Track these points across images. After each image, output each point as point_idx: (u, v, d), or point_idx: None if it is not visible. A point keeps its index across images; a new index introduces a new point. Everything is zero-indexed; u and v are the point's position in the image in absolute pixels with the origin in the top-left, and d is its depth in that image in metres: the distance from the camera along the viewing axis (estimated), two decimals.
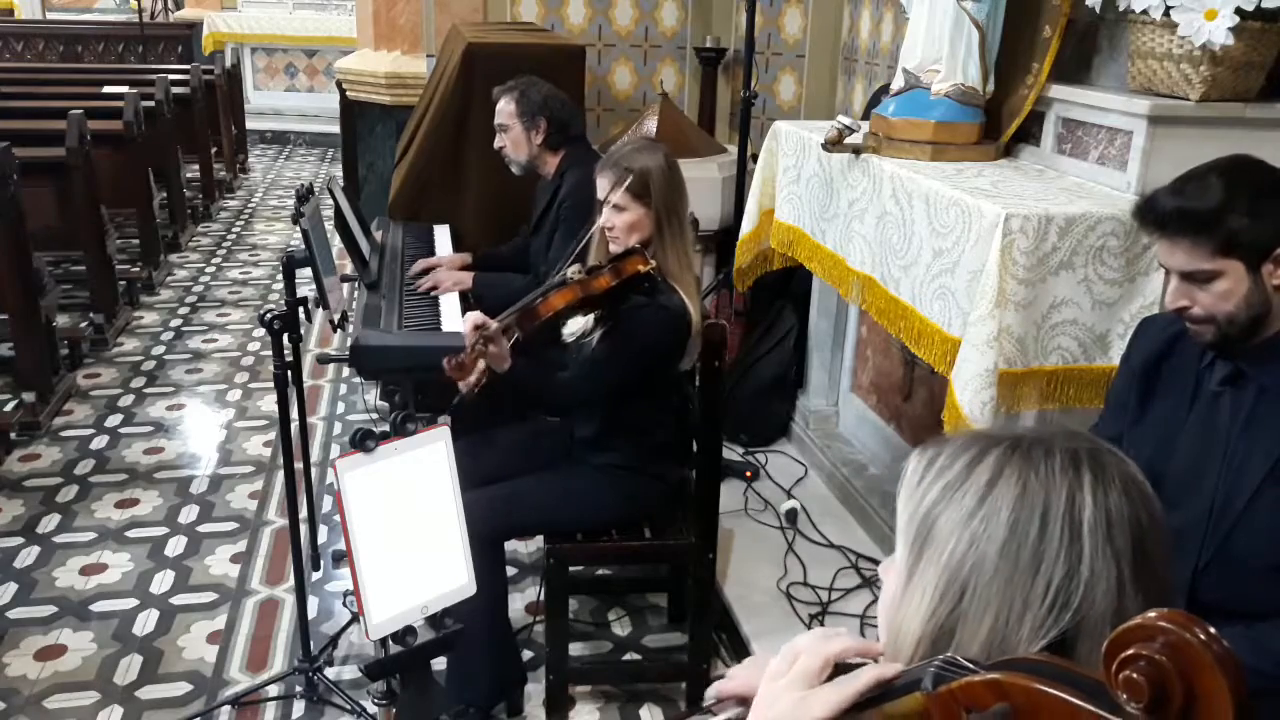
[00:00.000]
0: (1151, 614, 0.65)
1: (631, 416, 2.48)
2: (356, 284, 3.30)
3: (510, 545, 2.89)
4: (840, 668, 0.86)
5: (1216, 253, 1.56)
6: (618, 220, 2.36)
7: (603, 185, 2.40)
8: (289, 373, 2.49)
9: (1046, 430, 0.89)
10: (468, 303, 3.11)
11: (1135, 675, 0.64)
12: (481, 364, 2.19)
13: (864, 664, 0.86)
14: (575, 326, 2.45)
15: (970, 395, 2.09)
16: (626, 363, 2.36)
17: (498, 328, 2.18)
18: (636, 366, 2.37)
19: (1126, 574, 0.81)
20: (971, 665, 0.75)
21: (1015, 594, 0.81)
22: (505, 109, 3.14)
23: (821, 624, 2.78)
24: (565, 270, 2.27)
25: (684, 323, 2.35)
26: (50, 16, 11.65)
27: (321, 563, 3.09)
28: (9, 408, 4.05)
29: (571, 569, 2.60)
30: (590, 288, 2.24)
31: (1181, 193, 1.58)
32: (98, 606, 2.97)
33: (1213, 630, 0.63)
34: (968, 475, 0.86)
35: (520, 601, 3.02)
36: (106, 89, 6.48)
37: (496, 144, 3.20)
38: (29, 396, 4.00)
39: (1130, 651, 0.65)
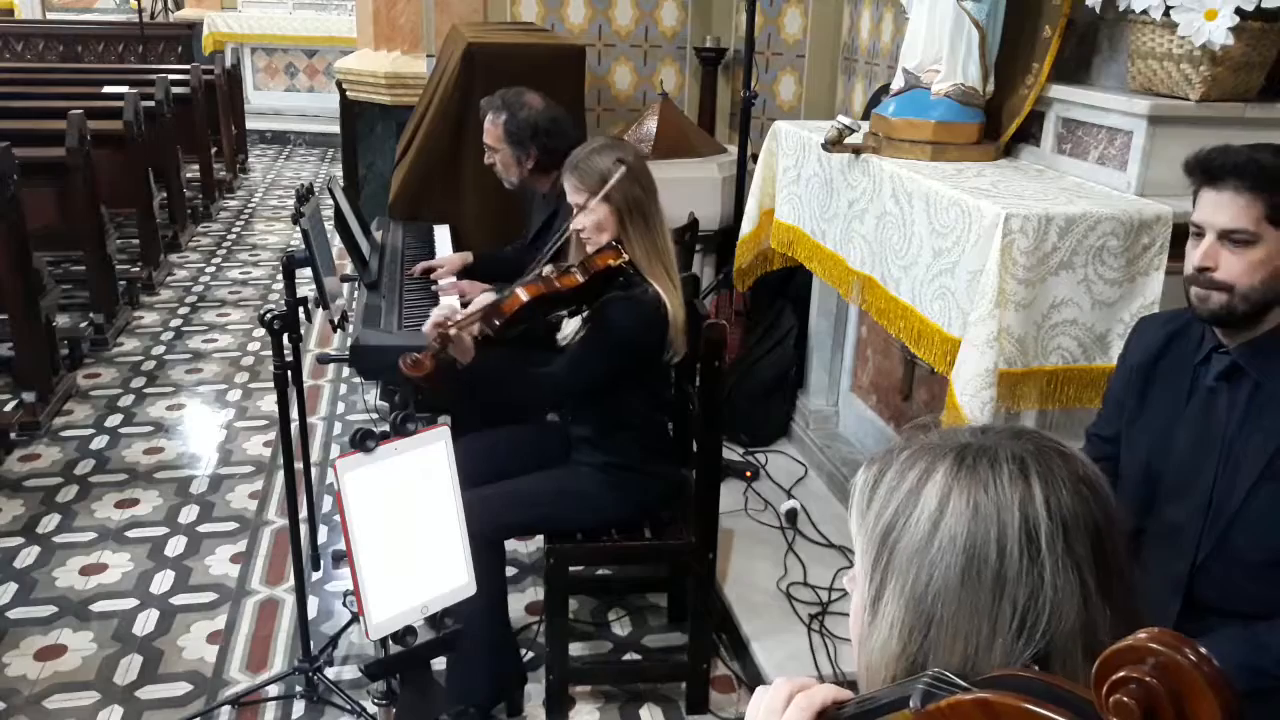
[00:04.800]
0: (1142, 635, 0.64)
1: (625, 413, 2.48)
2: (356, 284, 3.30)
3: (510, 545, 2.89)
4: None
5: (1264, 217, 1.55)
6: (586, 222, 2.38)
7: (567, 190, 2.43)
8: (289, 373, 2.49)
9: (991, 435, 0.87)
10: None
11: (1125, 698, 0.63)
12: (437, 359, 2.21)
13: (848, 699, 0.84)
14: (569, 330, 2.47)
15: (970, 395, 2.09)
16: (603, 355, 2.37)
17: (459, 326, 2.19)
18: (613, 359, 2.38)
19: (1090, 584, 0.80)
20: (961, 683, 0.74)
21: (982, 621, 0.80)
22: (493, 131, 3.08)
23: (821, 623, 2.78)
24: (540, 269, 2.29)
25: (658, 314, 2.35)
26: (50, 16, 11.64)
27: (321, 563, 3.09)
28: (9, 408, 4.05)
29: (571, 569, 2.60)
30: (558, 283, 2.27)
31: (1256, 148, 1.58)
32: (98, 606, 2.97)
33: (1203, 651, 0.62)
34: (918, 496, 0.84)
35: (520, 601, 3.02)
36: (106, 89, 6.48)
37: (486, 160, 3.14)
38: (29, 396, 4.00)
39: (1121, 674, 0.64)
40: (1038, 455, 0.84)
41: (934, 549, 0.82)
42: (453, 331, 2.19)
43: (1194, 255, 1.62)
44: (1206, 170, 1.60)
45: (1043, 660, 0.79)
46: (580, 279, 2.28)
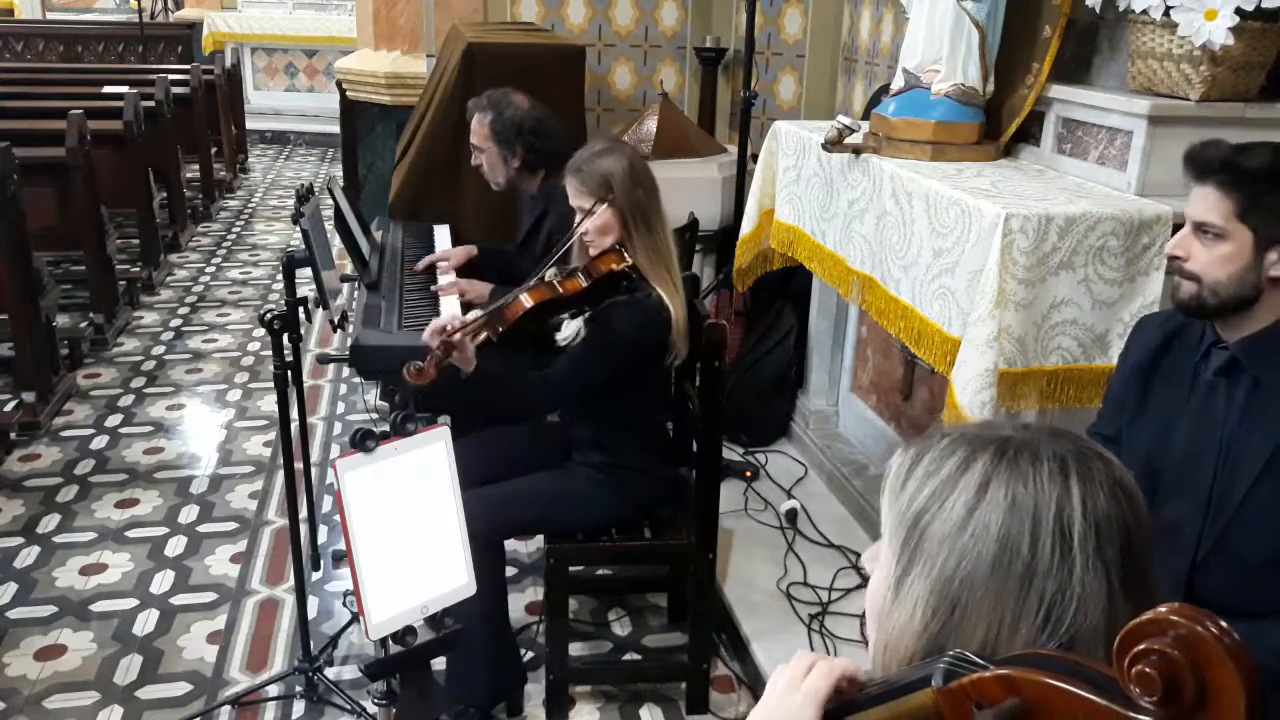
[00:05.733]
0: (1163, 609, 0.65)
1: (625, 414, 2.48)
2: (356, 284, 3.30)
3: (510, 545, 2.89)
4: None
5: (1234, 213, 1.57)
6: (589, 225, 2.38)
7: (569, 193, 2.43)
8: (289, 373, 2.49)
9: (1032, 431, 0.88)
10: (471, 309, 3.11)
11: (1147, 669, 0.64)
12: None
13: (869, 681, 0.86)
14: (569, 331, 2.47)
15: (970, 395, 2.09)
16: (604, 359, 2.37)
17: (463, 333, 2.19)
18: (614, 362, 2.38)
19: (1116, 585, 0.81)
20: (982, 661, 0.75)
21: (1006, 610, 0.81)
22: (479, 130, 3.07)
23: (821, 623, 2.78)
24: (544, 273, 2.29)
25: (661, 317, 2.35)
26: (50, 16, 11.64)
27: (321, 563, 3.09)
28: (9, 408, 4.05)
29: (571, 569, 2.60)
30: (562, 288, 2.27)
31: (1237, 148, 1.60)
32: (98, 606, 2.97)
33: (1224, 623, 0.63)
34: (955, 483, 0.85)
35: (520, 601, 3.02)
36: (106, 89, 6.48)
37: (474, 162, 3.14)
38: (29, 396, 4.00)
39: (1142, 646, 0.65)
40: (1078, 456, 0.85)
41: (967, 535, 0.83)
42: (456, 338, 2.18)
43: (1168, 244, 1.69)
44: (1192, 163, 1.64)
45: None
46: (584, 283, 2.28)
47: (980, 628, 0.82)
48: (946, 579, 0.84)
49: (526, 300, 2.24)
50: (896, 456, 0.92)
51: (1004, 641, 0.81)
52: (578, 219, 2.40)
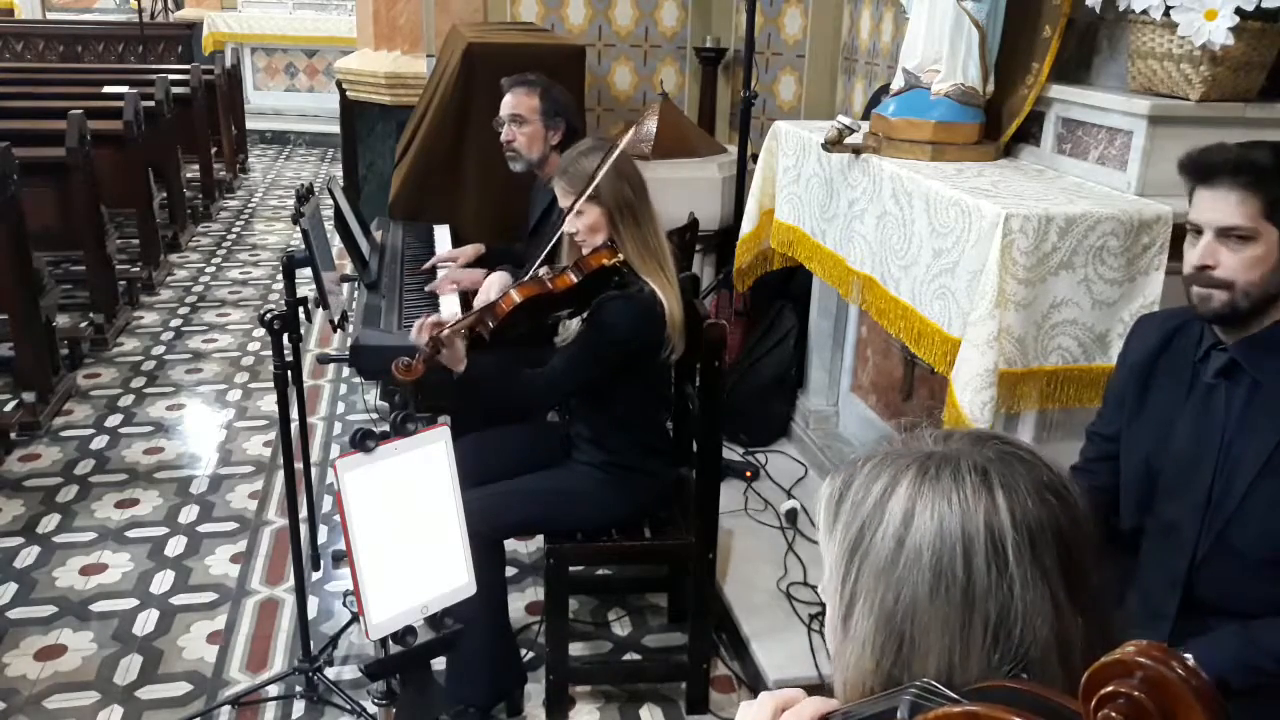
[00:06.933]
0: (1130, 648, 0.63)
1: (624, 412, 2.48)
2: (356, 284, 3.30)
3: (510, 545, 2.89)
4: None
5: (1261, 213, 1.56)
6: (579, 224, 2.39)
7: (558, 194, 2.44)
8: (289, 373, 2.49)
9: (955, 442, 0.85)
10: (469, 303, 3.11)
11: (1114, 714, 0.62)
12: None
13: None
14: (569, 332, 2.47)
15: (970, 395, 2.09)
16: (599, 354, 2.38)
17: (452, 330, 2.19)
18: (609, 358, 2.38)
19: (1061, 595, 0.79)
20: (950, 693, 0.73)
21: (954, 637, 0.79)
22: (528, 102, 3.06)
23: (821, 623, 2.77)
24: (536, 271, 2.29)
25: (655, 312, 2.35)
26: (50, 16, 11.64)
27: (321, 563, 3.09)
28: (9, 408, 4.05)
29: (571, 569, 2.60)
30: (552, 284, 2.27)
31: (1248, 146, 1.59)
32: (98, 606, 2.97)
33: (1191, 664, 0.62)
34: (883, 511, 0.83)
35: (520, 601, 3.02)
36: (106, 89, 6.48)
37: (505, 137, 3.11)
38: (29, 396, 4.00)
39: (1109, 689, 0.63)
40: (1000, 462, 0.82)
41: (901, 566, 0.81)
42: (444, 334, 2.18)
43: (1193, 254, 1.63)
44: (1201, 169, 1.61)
45: (1022, 671, 0.79)
46: (574, 279, 2.28)
47: (932, 657, 0.80)
48: (888, 614, 0.82)
49: (516, 296, 2.25)
50: (825, 487, 0.90)
51: (959, 667, 0.79)
52: (565, 219, 2.40)
